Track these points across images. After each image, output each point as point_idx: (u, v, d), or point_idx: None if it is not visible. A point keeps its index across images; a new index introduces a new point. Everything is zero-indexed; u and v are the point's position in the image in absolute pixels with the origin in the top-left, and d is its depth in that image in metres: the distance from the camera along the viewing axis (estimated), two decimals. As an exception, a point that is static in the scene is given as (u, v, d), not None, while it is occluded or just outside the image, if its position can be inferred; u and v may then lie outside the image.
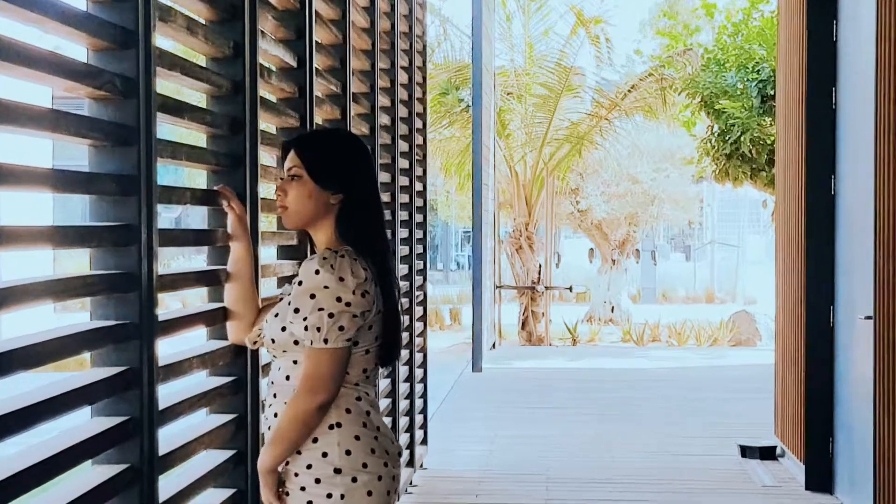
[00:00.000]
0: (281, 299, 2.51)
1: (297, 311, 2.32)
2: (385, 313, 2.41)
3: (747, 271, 23.63)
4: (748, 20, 12.46)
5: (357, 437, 2.36)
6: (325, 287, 2.30)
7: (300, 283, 2.33)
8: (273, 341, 2.41)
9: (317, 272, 2.31)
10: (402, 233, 5.73)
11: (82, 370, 2.09)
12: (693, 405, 8.80)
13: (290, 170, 2.45)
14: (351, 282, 2.32)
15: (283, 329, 2.38)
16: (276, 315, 2.42)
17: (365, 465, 2.35)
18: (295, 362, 2.40)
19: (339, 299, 2.31)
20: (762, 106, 11.48)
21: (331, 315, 2.30)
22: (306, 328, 2.31)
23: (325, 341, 2.31)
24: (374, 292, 2.36)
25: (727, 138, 11.79)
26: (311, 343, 2.32)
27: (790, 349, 6.27)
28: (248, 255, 2.66)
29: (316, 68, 3.50)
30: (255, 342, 2.57)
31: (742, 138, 11.57)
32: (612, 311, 16.55)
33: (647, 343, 14.16)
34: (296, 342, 2.37)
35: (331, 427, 2.35)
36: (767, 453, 6.51)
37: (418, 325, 6.20)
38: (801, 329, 5.92)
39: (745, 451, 6.56)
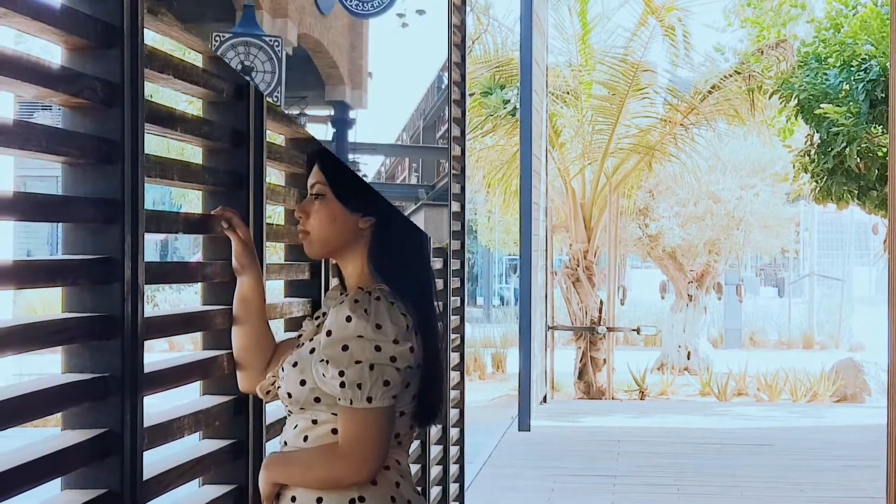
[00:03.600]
0: (299, 343, 2.50)
1: (325, 363, 2.32)
2: (425, 366, 2.41)
3: (854, 311, 23.42)
4: (846, 14, 12.35)
5: (384, 513, 2.36)
6: (360, 336, 2.30)
7: (329, 332, 2.32)
8: (289, 395, 2.41)
9: (348, 319, 2.31)
10: (436, 263, 5.72)
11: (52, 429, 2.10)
12: (788, 476, 8.71)
13: (313, 187, 2.47)
14: (390, 330, 2.32)
15: (303, 383, 2.38)
16: (295, 364, 2.40)
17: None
18: (315, 421, 2.40)
19: (377, 348, 2.31)
20: (871, 112, 11.38)
21: (372, 367, 2.30)
22: (343, 384, 2.31)
23: (370, 399, 2.31)
24: (416, 343, 2.36)
25: (829, 150, 11.68)
26: (351, 402, 2.31)
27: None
28: (258, 290, 2.64)
29: (334, 67, 3.51)
30: (267, 391, 2.54)
31: (847, 150, 11.46)
32: (689, 357, 16.44)
33: (730, 397, 14.05)
34: (317, 399, 2.36)
35: (352, 501, 2.35)
36: (880, 536, 6.42)
37: (454, 376, 6.18)
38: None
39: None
